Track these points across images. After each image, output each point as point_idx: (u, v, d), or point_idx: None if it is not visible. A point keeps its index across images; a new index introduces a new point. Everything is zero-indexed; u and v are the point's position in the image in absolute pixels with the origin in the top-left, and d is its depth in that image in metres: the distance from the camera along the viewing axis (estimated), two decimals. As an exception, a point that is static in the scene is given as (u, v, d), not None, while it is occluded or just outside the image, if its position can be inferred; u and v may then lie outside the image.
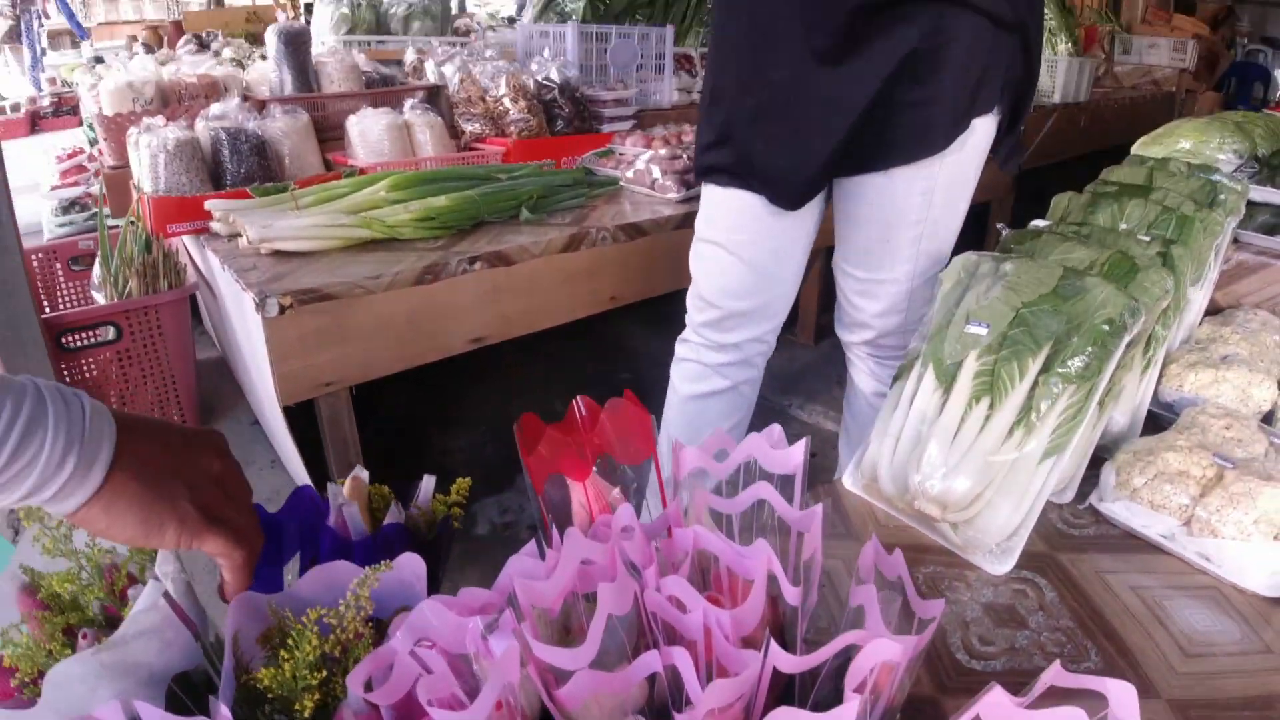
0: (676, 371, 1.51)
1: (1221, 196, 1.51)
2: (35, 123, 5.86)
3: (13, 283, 1.84)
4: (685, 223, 1.88)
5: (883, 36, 1.16)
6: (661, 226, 1.84)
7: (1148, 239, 1.26)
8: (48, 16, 8.50)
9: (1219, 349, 1.30)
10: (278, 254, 1.58)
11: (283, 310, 1.34)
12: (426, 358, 1.56)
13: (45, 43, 7.98)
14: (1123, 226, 1.31)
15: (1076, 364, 0.87)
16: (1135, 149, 1.95)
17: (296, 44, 2.32)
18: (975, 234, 3.55)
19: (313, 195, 1.81)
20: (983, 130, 1.29)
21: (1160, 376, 1.24)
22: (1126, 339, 0.90)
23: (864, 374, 1.48)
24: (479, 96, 2.38)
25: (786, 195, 1.29)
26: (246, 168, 1.98)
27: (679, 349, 1.50)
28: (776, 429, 0.70)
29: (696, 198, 1.99)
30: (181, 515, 0.53)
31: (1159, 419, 1.19)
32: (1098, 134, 4.60)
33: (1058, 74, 3.82)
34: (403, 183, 1.78)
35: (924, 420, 0.90)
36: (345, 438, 1.51)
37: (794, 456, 0.68)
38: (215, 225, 1.77)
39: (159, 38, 10.40)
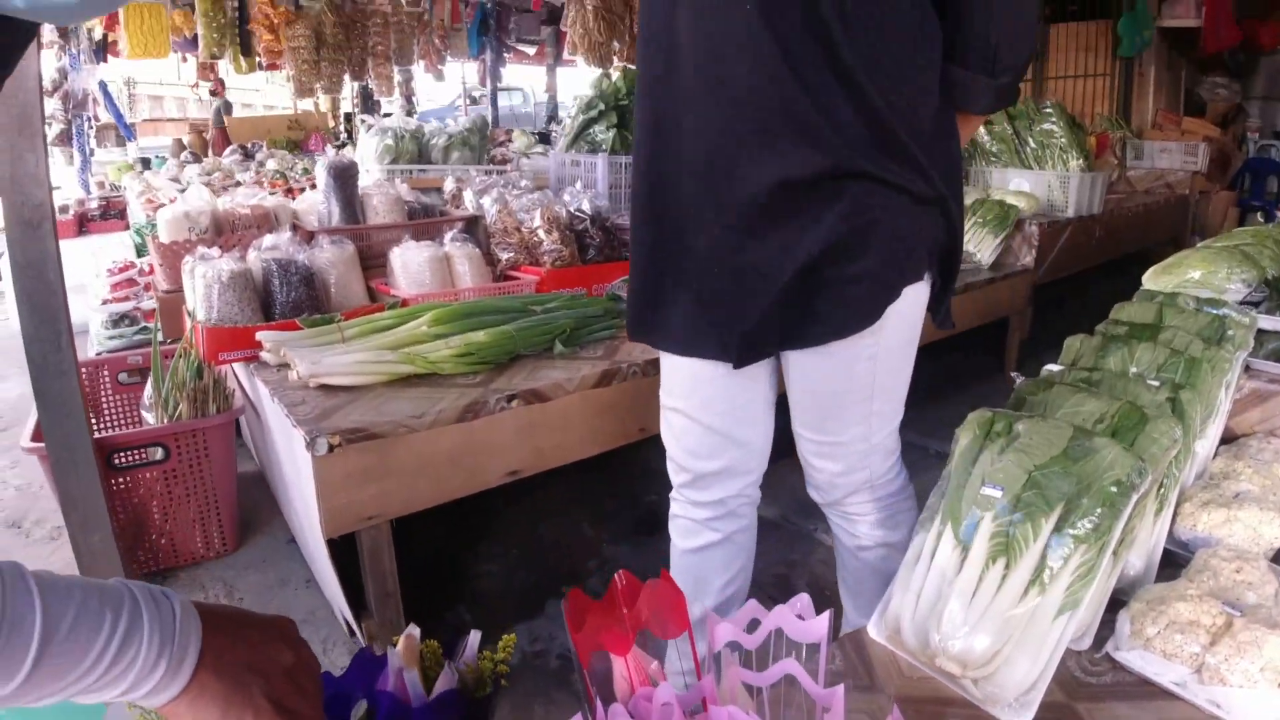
0: (672, 527, 1.52)
1: (1230, 332, 1.57)
2: (83, 225, 6.12)
3: (69, 405, 1.94)
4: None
5: (805, 216, 1.21)
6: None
7: (1157, 383, 1.32)
8: (98, 119, 8.90)
9: (1231, 486, 1.33)
10: (325, 387, 1.67)
11: (331, 449, 1.42)
12: (464, 491, 1.63)
13: (93, 142, 8.33)
14: (1133, 370, 1.37)
15: (1086, 525, 0.92)
16: (1146, 279, 2.01)
17: (344, 178, 2.47)
18: (995, 349, 3.62)
19: (357, 327, 1.92)
20: (916, 295, 1.32)
21: (1175, 515, 1.28)
22: (1135, 497, 0.95)
23: (842, 530, 1.49)
24: (514, 227, 2.51)
25: (727, 356, 1.31)
26: (295, 296, 2.09)
27: (671, 505, 1.51)
28: (804, 599, 0.76)
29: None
30: (256, 708, 0.59)
31: (1175, 557, 1.23)
32: (1112, 244, 4.69)
33: (1070, 190, 3.92)
34: (444, 317, 1.88)
35: (944, 578, 0.95)
36: (384, 569, 1.57)
37: (819, 627, 0.73)
38: (265, 355, 1.87)
39: (203, 142, 10.86)
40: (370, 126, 3.18)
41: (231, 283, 2.02)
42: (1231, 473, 1.38)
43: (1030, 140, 4.06)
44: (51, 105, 7.13)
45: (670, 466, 1.47)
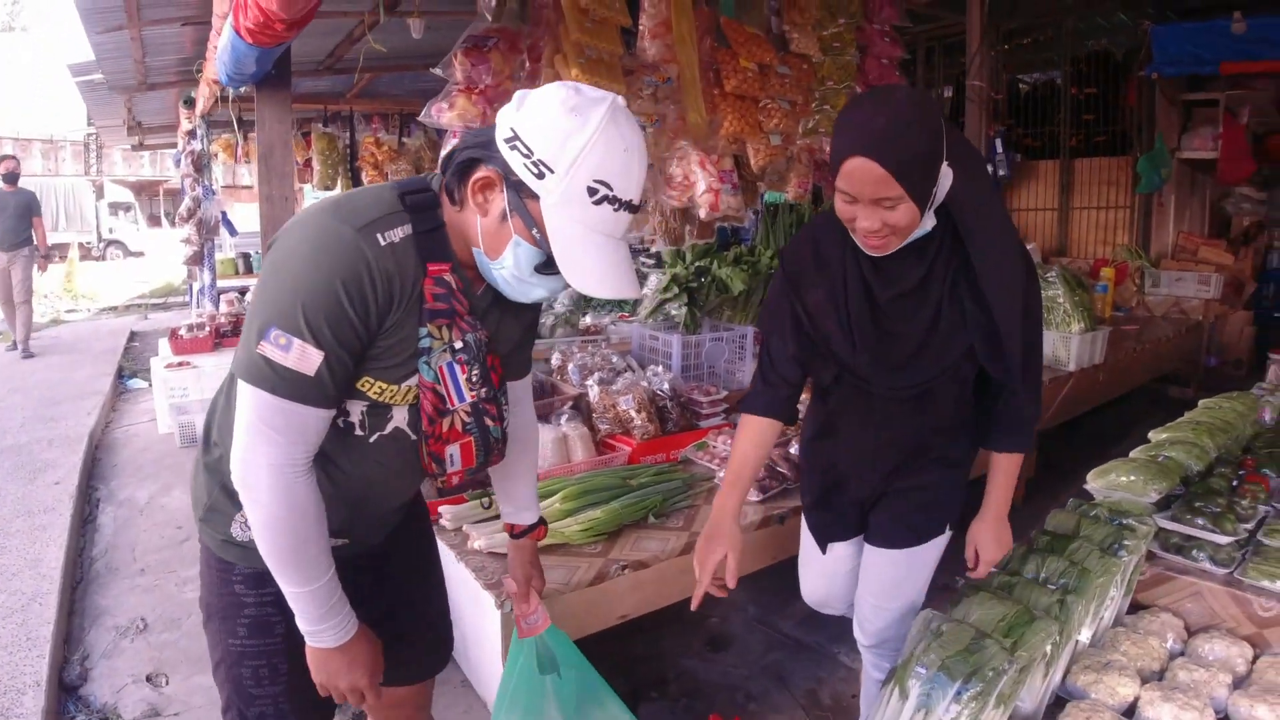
0: None
1: (1127, 543, 2.23)
2: (219, 339, 6.82)
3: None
4: (764, 524, 2.69)
5: None
6: (746, 529, 2.65)
7: (1054, 588, 2.02)
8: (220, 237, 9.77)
9: (1108, 654, 2.01)
10: (493, 554, 2.43)
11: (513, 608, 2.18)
12: (592, 631, 2.36)
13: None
14: (1042, 576, 2.07)
15: (975, 690, 1.63)
16: (1090, 478, 2.69)
17: (485, 369, 3.28)
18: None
19: (507, 500, 2.69)
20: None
21: (1069, 671, 1.96)
22: (1005, 678, 1.65)
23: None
24: (611, 405, 3.29)
25: None
26: (457, 472, 2.87)
27: None
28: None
29: (771, 498, 2.80)
30: None
31: (1065, 699, 1.91)
32: (1119, 383, 5.30)
33: (1071, 348, 4.57)
34: (570, 496, 2.65)
35: (895, 717, 1.66)
36: (538, 684, 2.32)
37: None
38: (445, 522, 2.64)
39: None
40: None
41: (416, 464, 2.80)
42: (1114, 642, 2.07)
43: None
44: (187, 230, 8.12)
45: None
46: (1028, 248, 6.68)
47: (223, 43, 2.27)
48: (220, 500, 1.48)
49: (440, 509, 2.65)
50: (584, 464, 3.03)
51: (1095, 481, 2.67)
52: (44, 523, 4.11)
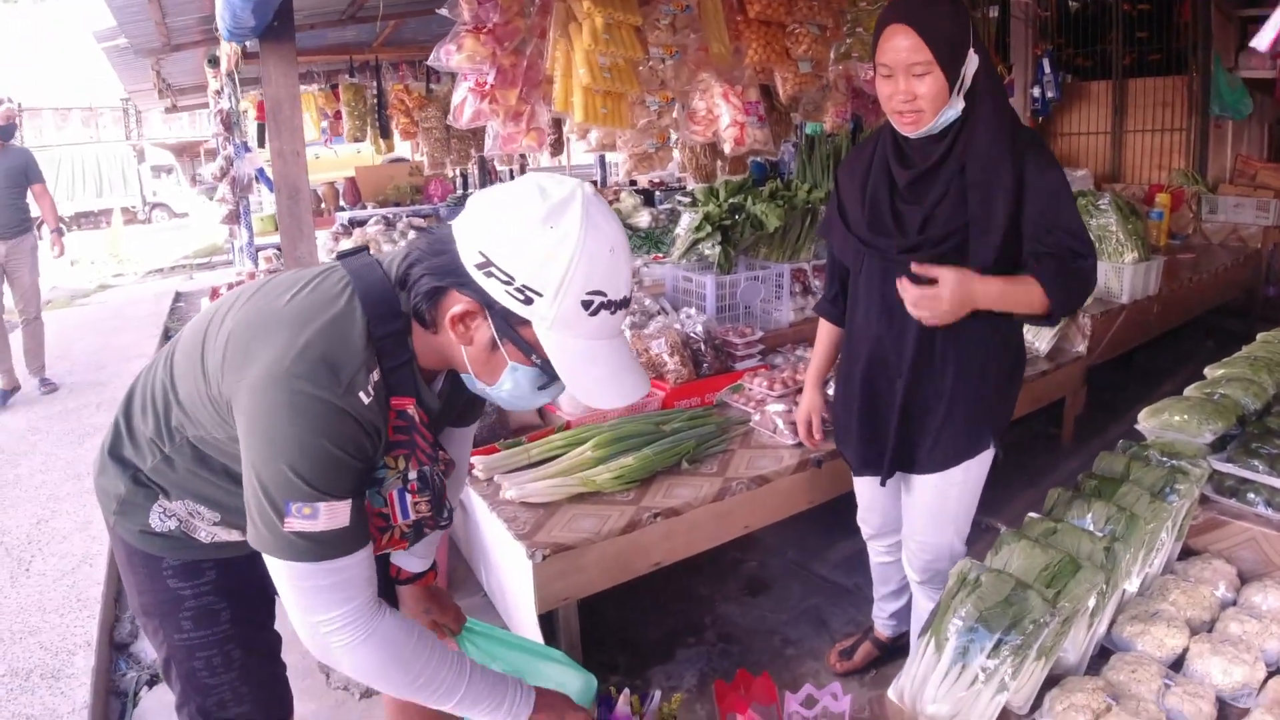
0: None
1: (1179, 486, 2.14)
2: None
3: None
4: (800, 468, 2.64)
5: None
6: (781, 474, 2.60)
7: (1101, 534, 1.95)
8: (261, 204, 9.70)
9: (1155, 604, 1.93)
10: (526, 504, 2.42)
11: (544, 559, 2.16)
12: (624, 579, 2.34)
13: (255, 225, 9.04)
14: (1089, 522, 2.00)
15: (1015, 643, 1.57)
16: (1141, 417, 2.59)
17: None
18: (1053, 420, 4.13)
19: (540, 448, 2.67)
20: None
21: (1115, 621, 1.90)
22: (1046, 630, 1.60)
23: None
24: (644, 349, 3.23)
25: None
26: (490, 421, 2.86)
27: None
28: (836, 686, 1.44)
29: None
30: None
31: (1110, 650, 1.85)
32: (1174, 314, 5.11)
33: (1124, 278, 4.40)
34: (602, 443, 2.61)
35: (929, 669, 1.62)
36: (573, 630, 2.32)
37: (844, 704, 1.42)
38: (477, 473, 2.62)
39: (334, 192, 11.78)
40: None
41: (447, 412, 2.78)
42: (1165, 589, 1.99)
43: (1090, 232, 4.54)
44: (221, 189, 8.13)
45: None
46: (1079, 173, 6.40)
47: (217, -7, 2.21)
48: (133, 492, 1.44)
49: (472, 459, 2.64)
50: (616, 410, 2.99)
51: (1147, 421, 2.56)
52: (94, 486, 4.15)
